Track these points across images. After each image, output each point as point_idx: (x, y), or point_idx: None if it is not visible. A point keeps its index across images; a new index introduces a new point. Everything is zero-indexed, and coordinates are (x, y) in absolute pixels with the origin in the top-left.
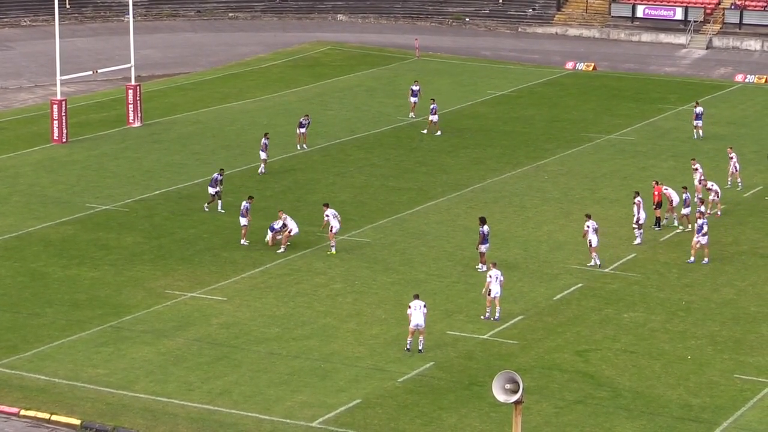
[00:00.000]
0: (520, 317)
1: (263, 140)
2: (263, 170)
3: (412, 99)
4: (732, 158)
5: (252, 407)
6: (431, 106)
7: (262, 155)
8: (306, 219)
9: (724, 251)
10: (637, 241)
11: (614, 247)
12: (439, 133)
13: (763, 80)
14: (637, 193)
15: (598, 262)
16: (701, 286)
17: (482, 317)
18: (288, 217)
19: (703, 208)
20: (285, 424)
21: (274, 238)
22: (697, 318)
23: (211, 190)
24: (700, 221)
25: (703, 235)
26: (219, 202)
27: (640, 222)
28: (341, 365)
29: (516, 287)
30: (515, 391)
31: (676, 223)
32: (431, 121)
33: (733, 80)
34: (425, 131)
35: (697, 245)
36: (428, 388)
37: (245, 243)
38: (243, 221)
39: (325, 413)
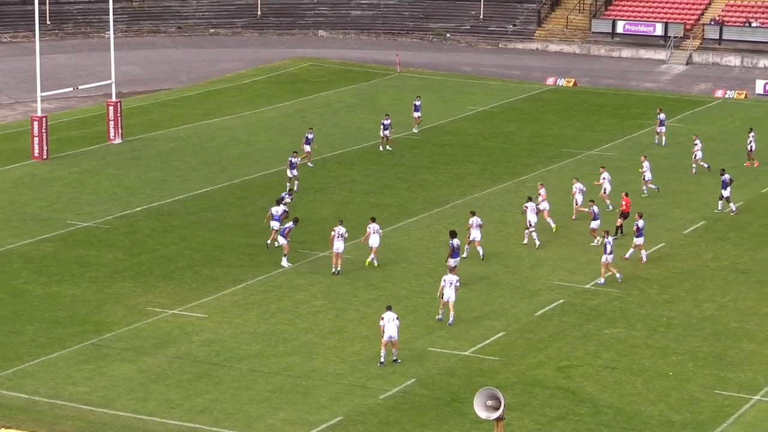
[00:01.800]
0: (501, 333)
1: (291, 158)
2: (295, 187)
3: (415, 114)
4: (643, 168)
5: (233, 425)
6: (385, 122)
7: (292, 173)
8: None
9: (705, 267)
10: (525, 241)
11: (595, 262)
12: (389, 148)
13: (743, 96)
14: (530, 198)
15: (481, 253)
16: (682, 301)
17: (437, 318)
18: (375, 226)
19: (637, 222)
20: None
21: (288, 244)
22: (678, 334)
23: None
24: (606, 239)
25: (609, 254)
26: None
27: (531, 225)
28: (323, 382)
29: (497, 303)
30: (497, 408)
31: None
32: (384, 136)
33: (713, 96)
34: (381, 148)
35: (605, 265)
36: (410, 405)
37: (269, 244)
38: (278, 230)
39: (306, 430)
